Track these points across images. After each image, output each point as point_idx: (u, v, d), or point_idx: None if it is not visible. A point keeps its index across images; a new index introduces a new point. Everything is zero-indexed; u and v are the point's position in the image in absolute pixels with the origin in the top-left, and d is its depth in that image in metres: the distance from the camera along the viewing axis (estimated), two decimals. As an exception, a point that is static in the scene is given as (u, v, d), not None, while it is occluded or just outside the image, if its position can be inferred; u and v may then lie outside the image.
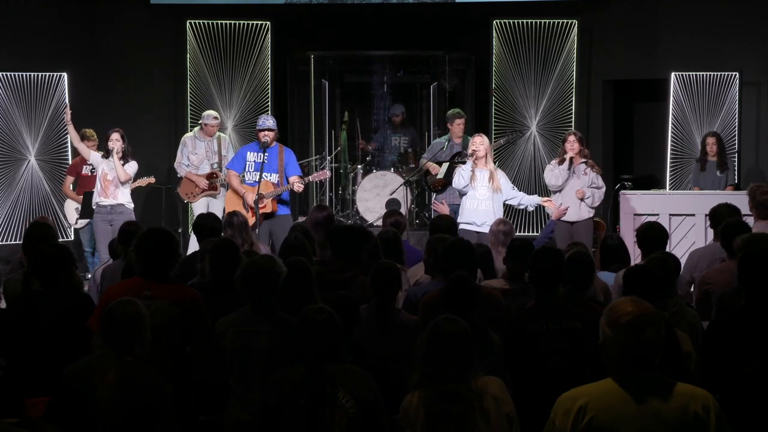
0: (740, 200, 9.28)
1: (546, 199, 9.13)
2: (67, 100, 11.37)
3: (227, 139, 10.49)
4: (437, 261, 5.59)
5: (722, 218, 6.57)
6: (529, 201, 8.98)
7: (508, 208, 10.89)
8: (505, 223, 7.25)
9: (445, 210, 8.68)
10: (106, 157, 9.38)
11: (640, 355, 3.11)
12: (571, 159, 8.98)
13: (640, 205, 9.54)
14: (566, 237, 8.68)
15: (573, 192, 9.01)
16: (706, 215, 8.58)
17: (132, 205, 9.51)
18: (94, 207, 9.44)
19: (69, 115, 9.73)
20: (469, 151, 8.83)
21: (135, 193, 9.81)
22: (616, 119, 12.73)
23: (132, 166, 9.44)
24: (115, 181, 9.36)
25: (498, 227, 7.06)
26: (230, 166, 9.31)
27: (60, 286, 5.00)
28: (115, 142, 9.33)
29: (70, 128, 9.75)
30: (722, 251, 6.34)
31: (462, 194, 8.81)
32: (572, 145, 9.01)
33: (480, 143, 8.76)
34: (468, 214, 8.66)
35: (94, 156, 9.55)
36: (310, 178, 9.59)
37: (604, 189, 9.21)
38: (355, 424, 3.80)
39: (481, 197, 8.66)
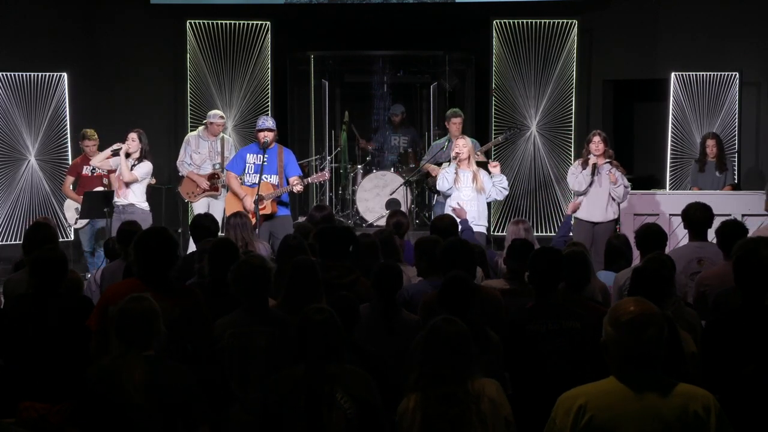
0: (740, 200, 9.35)
1: (492, 163, 8.95)
2: (66, 101, 11.40)
3: (230, 141, 10.49)
4: (436, 261, 5.58)
5: (694, 218, 6.59)
6: (497, 185, 8.68)
7: (515, 209, 10.93)
8: (524, 222, 7.23)
9: (464, 213, 8.53)
10: (118, 155, 9.42)
11: (641, 355, 3.11)
12: (594, 165, 8.94)
13: (640, 205, 9.54)
14: (587, 237, 8.66)
15: (597, 194, 8.96)
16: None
17: (144, 205, 9.47)
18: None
19: (123, 148, 9.49)
20: (452, 154, 8.83)
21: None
22: (616, 119, 12.73)
23: (141, 168, 9.43)
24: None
25: (517, 226, 7.03)
26: (229, 168, 9.31)
27: (59, 288, 5.00)
28: (130, 142, 9.39)
29: (104, 155, 9.64)
30: (700, 251, 6.40)
31: (446, 196, 8.81)
32: (597, 145, 8.97)
33: (463, 145, 8.78)
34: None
35: (114, 162, 9.57)
36: (310, 179, 9.58)
37: (629, 188, 9.19)
38: (352, 424, 3.79)
39: (466, 198, 8.66)
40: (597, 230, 8.93)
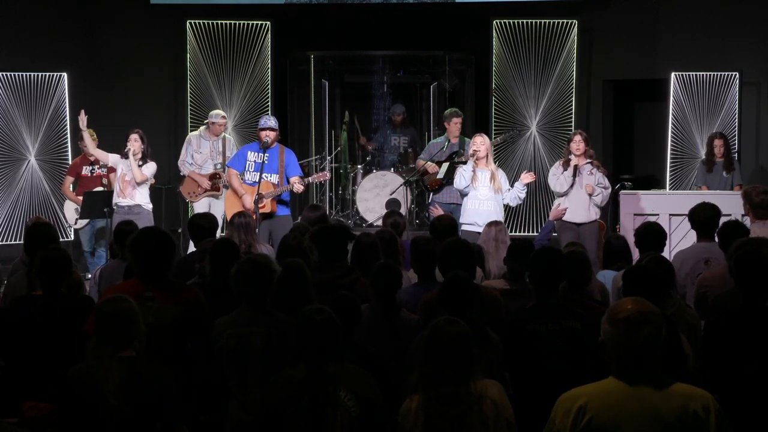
0: (740, 200, 9.31)
1: (525, 175, 9.00)
2: (66, 101, 11.40)
3: (232, 141, 10.50)
4: (430, 262, 5.58)
5: (699, 218, 6.59)
6: (517, 191, 8.85)
7: (514, 209, 10.91)
8: (497, 224, 7.23)
9: (440, 213, 8.60)
10: (126, 158, 9.43)
11: (638, 354, 3.10)
12: (575, 166, 8.91)
13: (640, 205, 9.53)
14: (573, 238, 8.63)
15: (579, 195, 8.95)
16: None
17: (150, 206, 9.54)
18: (114, 207, 9.49)
19: (84, 120, 9.66)
20: (470, 152, 8.81)
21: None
22: (616, 119, 12.73)
23: (150, 167, 9.49)
24: (133, 181, 9.41)
25: (490, 228, 7.05)
26: (231, 165, 9.31)
27: (62, 288, 5.01)
28: (134, 142, 9.41)
29: (86, 134, 9.72)
30: (706, 252, 6.39)
31: (463, 195, 8.78)
32: (578, 145, 8.94)
33: (481, 143, 8.75)
34: (470, 215, 8.64)
35: (113, 158, 9.62)
36: (310, 179, 9.58)
37: (610, 189, 9.16)
38: (356, 422, 3.80)
39: (483, 197, 8.65)
40: (582, 231, 8.89)
